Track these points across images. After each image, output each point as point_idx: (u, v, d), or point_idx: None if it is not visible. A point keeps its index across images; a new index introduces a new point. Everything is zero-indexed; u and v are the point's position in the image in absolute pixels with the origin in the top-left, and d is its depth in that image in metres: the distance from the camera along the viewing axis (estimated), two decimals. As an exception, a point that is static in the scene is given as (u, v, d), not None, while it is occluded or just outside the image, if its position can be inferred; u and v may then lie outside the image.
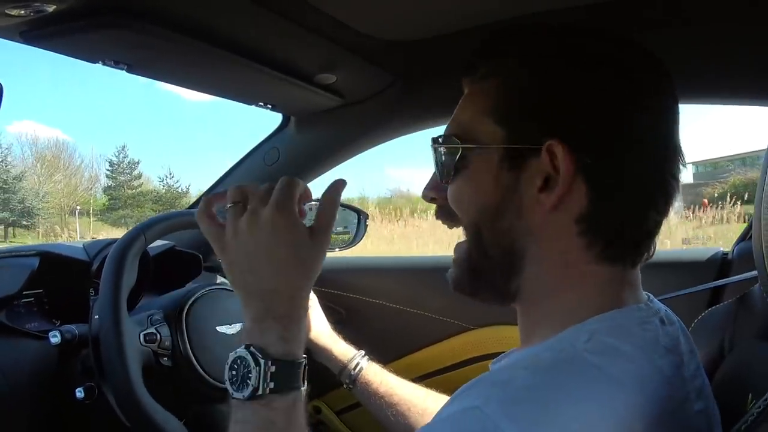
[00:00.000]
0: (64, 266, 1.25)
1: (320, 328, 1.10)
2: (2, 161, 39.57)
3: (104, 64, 0.98)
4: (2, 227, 36.78)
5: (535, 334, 0.63)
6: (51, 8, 0.79)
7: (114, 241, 1.36)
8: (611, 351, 0.53)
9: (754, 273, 0.64)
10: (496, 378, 0.54)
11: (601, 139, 0.56)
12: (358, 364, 1.07)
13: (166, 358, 0.99)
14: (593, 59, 0.58)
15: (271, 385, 0.61)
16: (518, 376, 0.52)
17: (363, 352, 1.09)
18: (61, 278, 1.24)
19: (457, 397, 0.55)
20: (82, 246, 1.34)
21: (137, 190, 40.94)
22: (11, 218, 37.03)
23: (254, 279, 0.64)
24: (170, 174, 46.04)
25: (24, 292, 1.17)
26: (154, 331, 0.99)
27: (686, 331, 0.63)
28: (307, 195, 0.70)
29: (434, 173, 0.66)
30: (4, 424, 1.04)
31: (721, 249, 1.28)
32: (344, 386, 1.07)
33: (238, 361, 0.62)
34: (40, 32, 0.86)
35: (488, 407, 0.48)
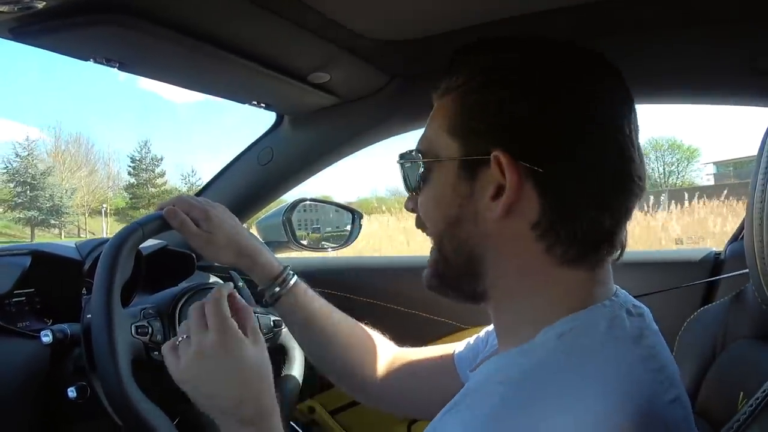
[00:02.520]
0: (56, 265, 1.25)
1: (240, 242, 0.96)
2: (29, 155, 38.04)
3: (96, 61, 0.97)
4: (29, 227, 35.63)
5: (509, 337, 0.65)
6: (41, 4, 0.78)
7: (106, 240, 1.35)
8: (582, 350, 0.55)
9: (746, 272, 0.64)
10: (473, 397, 0.56)
11: (545, 148, 0.58)
12: (285, 281, 0.97)
13: (156, 353, 0.97)
14: (537, 71, 0.60)
15: None
16: (494, 392, 0.54)
17: (289, 266, 0.99)
18: (53, 277, 1.23)
19: (439, 420, 0.57)
20: (74, 245, 1.33)
21: (161, 189, 39.74)
22: (40, 216, 35.71)
23: (218, 398, 0.73)
24: (193, 171, 45.67)
25: (15, 291, 1.17)
26: (146, 324, 0.97)
27: (652, 320, 0.64)
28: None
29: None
30: (-5, 424, 1.03)
31: (714, 249, 1.28)
32: (266, 303, 0.99)
33: None
34: (29, 29, 0.85)
35: (470, 428, 0.51)
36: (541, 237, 0.59)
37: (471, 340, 0.95)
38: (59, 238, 32.95)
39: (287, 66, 1.13)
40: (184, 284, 1.11)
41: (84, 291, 1.23)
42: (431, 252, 0.69)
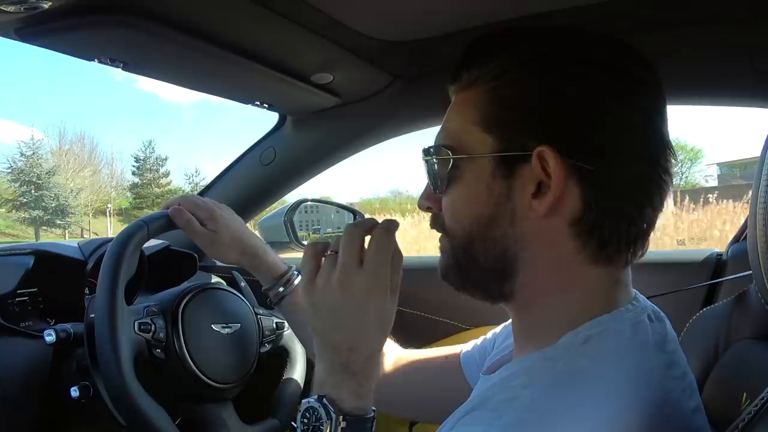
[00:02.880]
0: (59, 265, 1.25)
1: (245, 241, 0.98)
2: (34, 154, 37.02)
3: (100, 61, 0.97)
4: (32, 227, 34.97)
5: (529, 339, 0.63)
6: (46, 5, 0.78)
7: (108, 240, 1.35)
8: (608, 357, 0.54)
9: (749, 273, 0.64)
10: (496, 400, 0.54)
11: (591, 142, 0.56)
12: (289, 281, 0.98)
13: (159, 350, 0.97)
14: (575, 62, 0.58)
15: None
16: (520, 396, 0.52)
17: (294, 267, 1.00)
18: (56, 277, 1.23)
19: (458, 423, 0.55)
20: (77, 245, 1.34)
21: (165, 189, 38.81)
22: (45, 217, 34.89)
23: (336, 335, 0.65)
24: (197, 171, 44.48)
25: (19, 291, 1.17)
26: (150, 321, 0.97)
27: (671, 326, 0.64)
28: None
29: (428, 183, 0.66)
30: (-1, 423, 1.03)
31: (716, 250, 1.28)
32: (271, 302, 1.00)
33: (310, 411, 0.63)
34: (35, 29, 0.86)
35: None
36: (578, 235, 0.57)
37: (478, 341, 0.94)
38: (63, 239, 32.58)
39: (290, 67, 1.13)
40: (186, 284, 1.12)
41: (87, 291, 1.23)
42: (448, 251, 0.65)
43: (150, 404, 0.90)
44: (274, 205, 1.61)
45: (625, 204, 0.57)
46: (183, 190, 38.21)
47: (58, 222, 35.50)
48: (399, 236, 0.69)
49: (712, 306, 0.92)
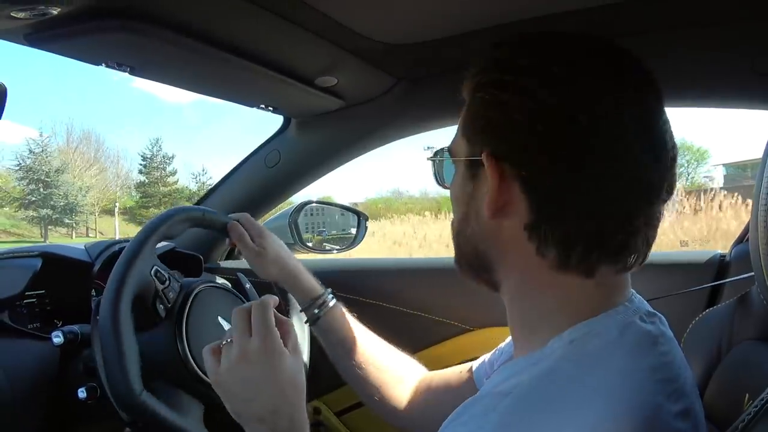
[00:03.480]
0: (66, 267, 1.26)
1: (286, 261, 1.08)
2: (42, 151, 36.09)
3: (107, 66, 0.98)
4: (38, 226, 34.05)
5: (522, 343, 0.65)
6: (55, 11, 0.79)
7: (115, 242, 1.36)
8: (590, 360, 0.54)
9: (752, 275, 0.64)
10: (476, 408, 0.56)
11: (532, 151, 0.56)
12: (324, 302, 1.05)
13: (162, 307, 0.96)
14: (530, 72, 0.58)
15: None
16: (499, 404, 0.53)
17: (330, 290, 1.08)
18: (63, 279, 1.24)
19: (452, 422, 0.57)
20: (83, 247, 1.35)
21: (172, 187, 38.06)
22: (54, 216, 34.11)
23: (255, 404, 0.72)
24: (204, 171, 43.83)
25: (26, 293, 1.18)
26: (167, 275, 0.97)
27: (668, 326, 0.63)
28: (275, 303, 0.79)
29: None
30: (7, 425, 1.04)
31: (719, 251, 1.28)
32: (307, 322, 1.07)
33: None
34: (44, 35, 0.87)
35: (489, 419, 0.51)
36: (530, 239, 0.58)
37: (488, 355, 0.95)
38: (70, 239, 31.89)
39: (295, 70, 1.14)
40: (204, 276, 1.13)
41: (93, 292, 1.24)
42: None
43: (130, 338, 0.87)
44: (278, 207, 1.62)
45: (569, 212, 0.56)
46: (190, 190, 37.84)
47: (67, 221, 34.84)
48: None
49: (714, 307, 0.92)
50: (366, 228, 1.49)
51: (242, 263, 1.60)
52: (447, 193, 0.71)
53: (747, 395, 0.66)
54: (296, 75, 1.16)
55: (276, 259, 1.06)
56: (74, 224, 35.33)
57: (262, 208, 1.59)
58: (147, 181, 38.92)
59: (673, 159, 0.59)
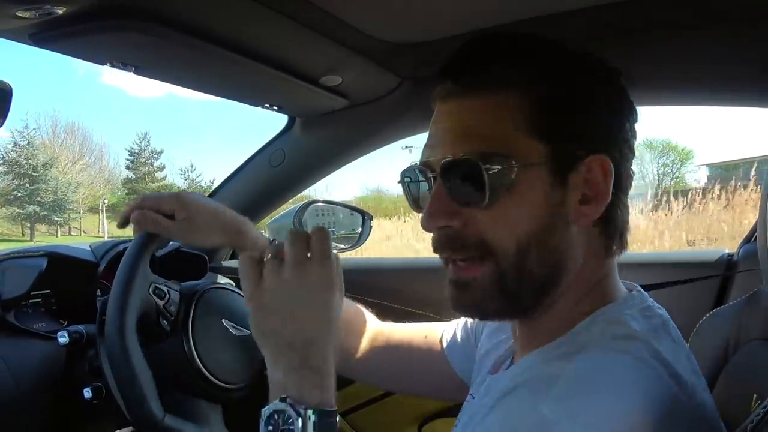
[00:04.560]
0: (71, 267, 1.26)
1: (224, 218, 0.93)
2: (29, 144, 33.71)
3: (112, 66, 0.98)
4: (26, 223, 32.20)
5: (537, 337, 0.64)
6: (60, 10, 0.79)
7: (120, 242, 1.37)
8: (628, 337, 0.57)
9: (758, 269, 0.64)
10: (538, 380, 0.55)
11: (617, 146, 0.62)
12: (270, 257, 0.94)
13: (166, 322, 0.96)
14: (596, 70, 0.63)
15: None
16: (563, 371, 0.54)
17: (275, 240, 0.87)
18: (69, 279, 1.25)
19: (501, 402, 0.57)
20: (89, 247, 1.35)
21: (161, 183, 36.53)
22: (41, 213, 31.90)
23: (293, 330, 0.63)
24: (192, 166, 42.95)
25: (32, 293, 1.18)
26: (166, 290, 0.96)
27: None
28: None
29: (441, 196, 0.62)
30: (13, 424, 1.04)
31: (727, 250, 1.28)
32: None
33: (275, 415, 0.60)
34: (49, 34, 0.87)
35: (543, 407, 0.51)
36: (602, 233, 0.63)
37: (459, 330, 0.96)
38: (55, 238, 30.45)
39: (299, 69, 1.14)
40: (206, 279, 1.12)
41: (99, 292, 1.24)
42: (468, 270, 0.63)
43: (141, 363, 0.86)
44: (283, 207, 1.62)
45: (625, 200, 0.64)
46: (178, 187, 35.75)
47: (56, 218, 32.71)
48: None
49: (722, 306, 0.92)
50: (371, 227, 1.48)
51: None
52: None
53: (755, 395, 0.66)
54: (301, 74, 1.16)
55: (209, 223, 0.90)
56: (63, 222, 33.50)
57: (267, 207, 1.59)
58: (134, 177, 37.37)
59: None
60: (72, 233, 33.60)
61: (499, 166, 0.58)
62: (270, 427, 0.60)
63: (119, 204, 35.73)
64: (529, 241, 0.59)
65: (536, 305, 0.62)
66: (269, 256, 0.66)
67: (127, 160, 38.22)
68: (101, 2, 0.81)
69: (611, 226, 0.62)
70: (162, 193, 0.92)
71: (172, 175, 38.51)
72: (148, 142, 38.32)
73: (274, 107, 1.35)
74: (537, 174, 0.59)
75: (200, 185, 35.69)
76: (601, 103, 0.62)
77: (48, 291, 1.23)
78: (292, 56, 1.09)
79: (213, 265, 1.60)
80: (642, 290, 0.67)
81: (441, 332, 0.99)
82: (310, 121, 1.45)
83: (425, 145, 0.66)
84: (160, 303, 0.96)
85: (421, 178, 0.68)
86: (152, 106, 71.90)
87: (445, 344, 0.97)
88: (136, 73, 1.02)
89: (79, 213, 34.94)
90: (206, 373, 0.97)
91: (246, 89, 1.26)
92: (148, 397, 0.84)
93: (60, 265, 1.24)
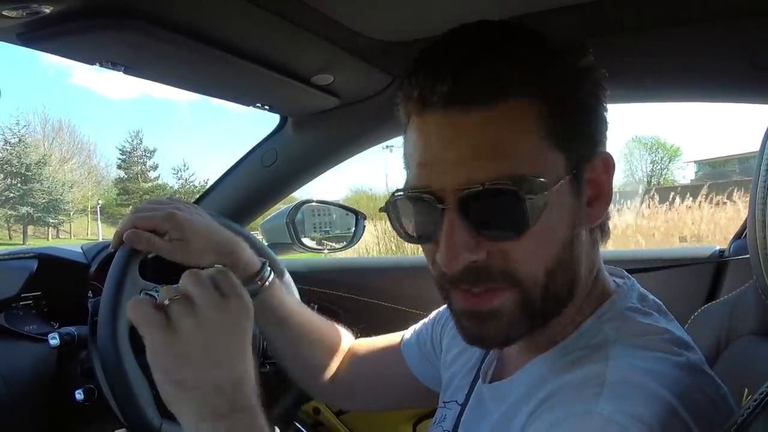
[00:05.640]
0: (62, 268, 1.25)
1: (218, 238, 0.90)
2: (20, 142, 31.93)
3: (101, 65, 0.98)
4: (15, 227, 30.63)
5: (538, 341, 0.63)
6: (48, 9, 0.79)
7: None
8: (644, 333, 0.57)
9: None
10: (576, 381, 0.53)
11: (603, 142, 0.61)
12: (262, 278, 0.90)
13: None
14: (588, 61, 0.60)
15: None
16: (606, 369, 0.53)
17: (267, 262, 0.93)
18: (60, 281, 1.24)
19: (557, 405, 0.53)
20: (80, 248, 1.34)
21: (154, 183, 35.52)
22: (35, 214, 30.37)
23: (218, 371, 0.59)
24: (185, 166, 42.61)
25: (23, 295, 1.17)
26: (154, 294, 0.92)
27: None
28: None
29: (460, 228, 0.53)
30: (4, 426, 1.04)
31: (718, 247, 1.28)
32: None
33: None
34: (36, 34, 0.86)
35: (600, 408, 0.49)
36: (592, 233, 0.62)
37: (417, 326, 0.96)
38: (46, 241, 29.11)
39: (291, 68, 1.14)
40: None
41: (90, 294, 1.24)
42: (515, 304, 0.56)
43: (135, 370, 0.84)
44: (275, 207, 1.61)
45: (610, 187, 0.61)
46: (171, 187, 35.17)
47: (50, 220, 31.26)
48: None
49: (713, 302, 0.92)
50: (364, 227, 1.49)
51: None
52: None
53: (746, 390, 0.66)
54: (292, 73, 1.15)
55: (204, 244, 0.87)
56: (57, 223, 31.80)
57: (259, 207, 1.58)
58: (126, 176, 35.81)
59: None
60: (60, 236, 32.20)
61: (536, 191, 0.51)
62: None
63: (109, 205, 34.78)
64: (557, 264, 0.55)
65: (555, 317, 0.59)
66: (175, 298, 0.61)
67: (119, 159, 37.02)
68: (90, 1, 0.81)
69: (601, 220, 0.63)
70: (156, 210, 0.87)
71: (165, 175, 37.85)
72: (140, 140, 37.16)
73: (266, 107, 1.35)
74: (563, 190, 0.54)
75: (194, 185, 34.97)
76: (600, 96, 0.58)
77: (39, 293, 1.22)
78: (283, 55, 1.09)
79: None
80: (628, 275, 0.68)
81: (401, 335, 0.98)
82: (302, 120, 1.45)
83: (420, 163, 0.55)
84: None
85: (421, 209, 0.57)
86: (125, 107, 71.39)
87: (403, 343, 0.97)
88: (125, 73, 1.02)
89: (69, 215, 33.60)
90: None
91: (237, 89, 1.26)
92: (144, 404, 0.82)
93: (51, 267, 1.23)
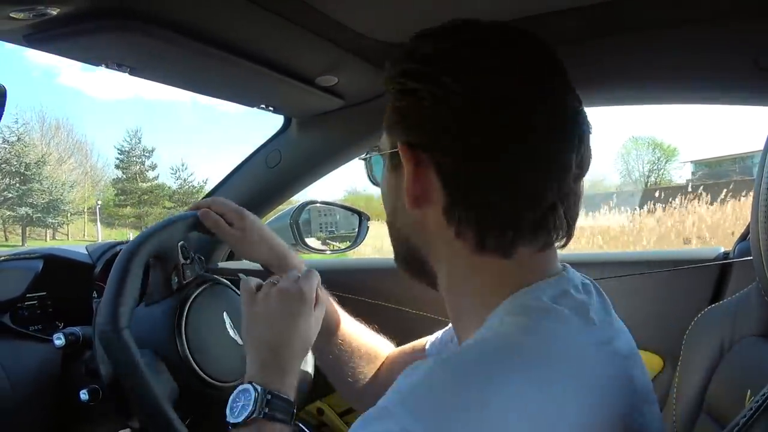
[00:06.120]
0: (67, 269, 1.26)
1: (270, 241, 1.03)
2: (19, 140, 30.74)
3: (107, 66, 0.98)
4: (12, 229, 29.83)
5: (462, 331, 0.65)
6: (54, 11, 0.79)
7: (117, 243, 1.37)
8: (524, 328, 0.54)
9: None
10: (406, 376, 0.53)
11: (441, 138, 0.58)
12: None
13: (176, 279, 1.00)
14: (435, 60, 0.60)
15: (266, 410, 0.72)
16: (423, 366, 0.51)
17: (314, 270, 1.01)
18: (65, 281, 1.25)
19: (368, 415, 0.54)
20: (85, 248, 1.35)
21: (152, 183, 34.22)
22: (35, 215, 29.41)
23: (271, 335, 0.79)
24: (183, 165, 41.05)
25: (28, 295, 1.18)
26: (192, 255, 1.01)
27: (604, 297, 0.64)
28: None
29: None
30: (9, 426, 1.04)
31: (722, 248, 1.28)
32: None
33: (241, 393, 0.74)
34: (43, 35, 0.87)
35: (396, 407, 0.48)
36: (449, 223, 0.60)
37: (440, 333, 0.96)
38: (44, 242, 28.53)
39: (295, 70, 1.14)
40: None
41: (95, 294, 1.24)
42: None
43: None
44: (279, 207, 1.62)
45: (478, 192, 0.58)
46: (169, 187, 34.40)
47: (50, 221, 30.33)
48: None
49: (717, 304, 0.92)
50: (367, 228, 1.49)
51: (243, 264, 1.60)
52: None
53: (749, 391, 0.66)
54: (296, 74, 1.16)
55: (261, 240, 1.01)
56: (57, 224, 30.93)
57: (264, 208, 1.59)
58: (124, 176, 34.85)
59: (581, 136, 0.59)
60: (56, 237, 31.26)
61: (370, 157, 0.80)
62: (236, 403, 0.74)
63: (107, 206, 33.82)
64: (389, 218, 0.70)
65: (424, 276, 0.69)
66: (269, 281, 0.85)
67: (117, 158, 35.84)
68: (96, 3, 0.81)
69: (456, 219, 0.61)
70: (229, 201, 1.04)
71: (163, 175, 36.53)
72: (138, 139, 35.98)
73: (270, 108, 1.35)
74: (386, 163, 0.69)
75: (192, 185, 34.20)
76: (418, 97, 0.63)
77: (44, 293, 1.23)
78: (287, 57, 1.09)
79: (210, 266, 1.60)
80: (568, 271, 0.64)
81: (426, 340, 0.98)
82: (306, 121, 1.45)
83: None
84: (182, 261, 0.99)
85: None
86: (114, 108, 71.00)
87: (427, 348, 0.96)
88: (131, 74, 1.02)
89: (69, 216, 32.56)
90: (184, 345, 0.96)
91: (242, 90, 1.26)
92: (122, 306, 0.88)
93: (56, 267, 1.24)
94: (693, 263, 1.27)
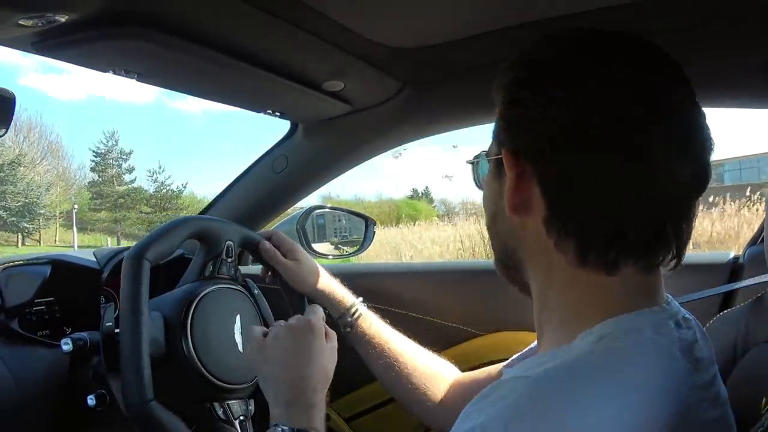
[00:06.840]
0: (75, 274, 1.26)
1: (320, 272, 1.13)
2: None
3: (115, 73, 0.99)
4: (13, 232, 27.96)
5: (547, 339, 0.63)
6: (63, 18, 0.79)
7: (123, 249, 1.37)
8: (621, 355, 0.52)
9: (766, 277, 0.63)
10: (498, 392, 0.53)
11: (543, 146, 0.56)
12: (357, 311, 1.10)
13: (211, 269, 1.07)
14: (538, 70, 0.59)
15: None
16: (519, 387, 0.51)
17: (362, 299, 1.12)
18: (73, 286, 1.25)
19: (464, 415, 0.56)
20: (92, 254, 1.35)
21: (129, 186, 32.55)
22: (9, 219, 27.35)
23: (289, 371, 0.83)
24: (161, 168, 39.74)
25: (36, 300, 1.18)
26: (235, 254, 1.09)
27: (705, 335, 0.62)
28: None
29: None
30: (16, 431, 1.04)
31: (732, 253, 1.27)
32: (342, 330, 1.08)
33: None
34: (51, 42, 0.87)
35: (490, 424, 0.49)
36: (549, 234, 0.58)
37: (515, 357, 0.93)
38: (17, 249, 26.36)
39: (302, 75, 1.14)
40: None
41: (102, 299, 1.24)
42: None
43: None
44: (286, 212, 1.62)
45: (580, 207, 0.56)
46: (146, 191, 32.44)
47: (26, 225, 28.15)
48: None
49: (729, 310, 0.91)
50: (374, 233, 1.48)
51: (250, 269, 1.60)
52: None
53: (764, 398, 0.65)
54: (303, 80, 1.16)
55: (311, 273, 1.11)
56: (32, 229, 28.58)
57: (270, 213, 1.59)
58: (101, 179, 32.92)
59: (701, 154, 0.56)
60: (26, 243, 28.77)
61: (478, 161, 0.78)
62: None
63: (81, 210, 32.01)
64: (489, 222, 0.71)
65: (520, 283, 0.69)
66: (276, 324, 0.90)
67: (92, 161, 33.72)
68: (104, 10, 0.82)
69: (557, 230, 0.61)
70: (286, 236, 1.15)
71: (139, 178, 34.28)
72: (115, 141, 34.13)
73: (277, 113, 1.35)
74: (491, 168, 0.68)
75: (171, 189, 32.32)
76: (527, 100, 0.62)
77: (52, 298, 1.23)
78: (294, 62, 1.09)
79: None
80: (672, 304, 0.62)
81: (500, 367, 0.96)
82: (313, 126, 1.45)
83: None
84: (224, 256, 1.09)
85: None
86: (73, 109, 70.24)
87: (505, 367, 0.95)
88: (138, 80, 1.03)
89: (43, 220, 30.30)
90: (213, 379, 0.98)
91: (248, 96, 1.26)
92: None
93: (64, 273, 1.24)
94: (703, 268, 1.26)
